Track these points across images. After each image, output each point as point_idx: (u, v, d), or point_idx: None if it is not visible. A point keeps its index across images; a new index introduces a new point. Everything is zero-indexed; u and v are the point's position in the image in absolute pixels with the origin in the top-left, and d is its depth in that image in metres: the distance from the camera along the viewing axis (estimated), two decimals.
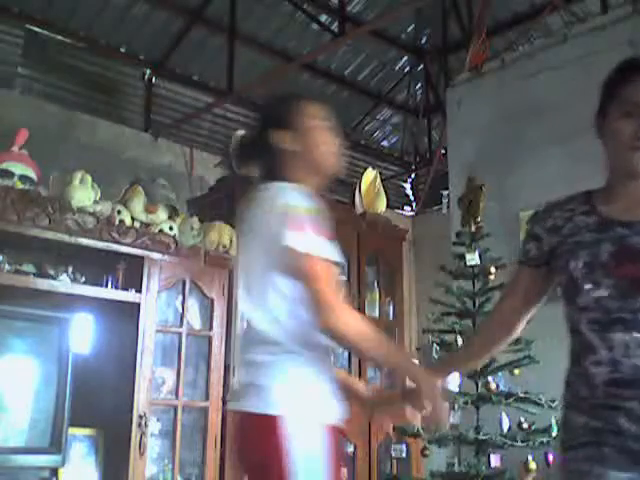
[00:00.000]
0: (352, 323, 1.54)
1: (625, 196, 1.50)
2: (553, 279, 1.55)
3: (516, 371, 3.12)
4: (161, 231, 3.53)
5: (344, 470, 3.89)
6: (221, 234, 3.70)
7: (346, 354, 4.11)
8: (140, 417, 3.21)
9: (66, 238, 3.18)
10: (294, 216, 1.53)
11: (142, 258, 3.40)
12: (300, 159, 1.70)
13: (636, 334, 1.36)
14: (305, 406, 1.53)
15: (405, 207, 6.42)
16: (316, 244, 1.55)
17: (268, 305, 1.58)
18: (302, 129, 1.72)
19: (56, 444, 3.03)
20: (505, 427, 3.08)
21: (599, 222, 1.48)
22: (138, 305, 3.33)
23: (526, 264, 1.59)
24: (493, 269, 3.23)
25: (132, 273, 3.37)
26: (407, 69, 6.00)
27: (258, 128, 1.78)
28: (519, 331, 1.68)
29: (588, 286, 1.42)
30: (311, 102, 1.81)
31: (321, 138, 1.75)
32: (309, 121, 1.75)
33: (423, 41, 5.87)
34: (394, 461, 4.10)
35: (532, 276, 1.59)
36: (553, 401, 2.95)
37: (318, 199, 1.64)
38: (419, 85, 6.16)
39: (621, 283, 1.39)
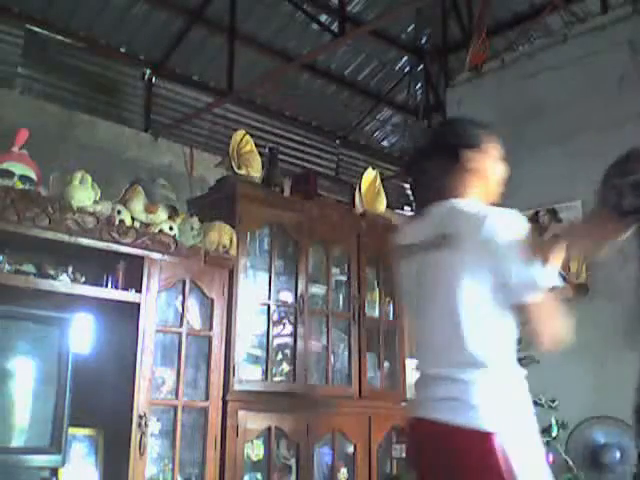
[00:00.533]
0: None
1: None
2: None
3: None
4: (161, 231, 3.52)
5: (344, 470, 3.89)
6: (221, 234, 3.69)
7: (346, 354, 4.12)
8: (140, 417, 3.21)
9: (66, 238, 3.17)
10: (524, 246, 1.61)
11: (142, 258, 3.39)
12: (480, 181, 1.81)
13: None
14: (519, 422, 1.59)
15: (405, 207, 6.43)
16: (547, 275, 1.60)
17: (480, 328, 1.63)
18: (488, 153, 1.83)
19: (56, 444, 3.02)
20: None
21: None
22: (138, 305, 3.32)
23: None
24: None
25: (132, 273, 3.37)
26: (407, 69, 6.01)
27: (443, 143, 1.85)
28: None
29: None
30: (491, 131, 1.92)
31: (497, 166, 1.87)
32: (492, 148, 1.86)
33: (423, 41, 5.88)
34: (394, 461, 4.10)
35: None
36: (553, 401, 2.95)
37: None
38: (419, 85, 6.16)
39: None
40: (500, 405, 1.58)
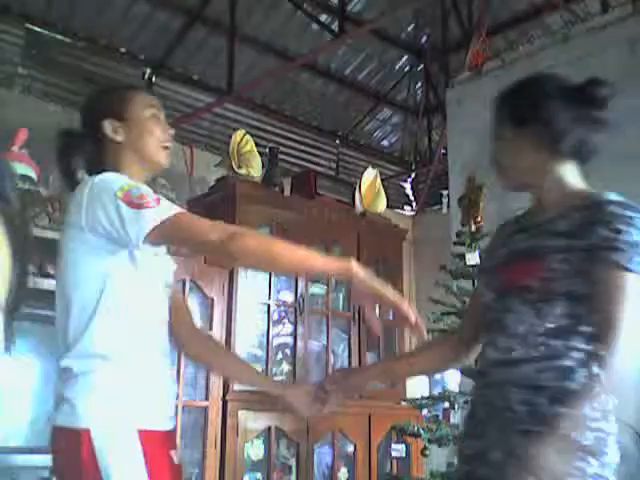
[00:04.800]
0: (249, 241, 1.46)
1: (532, 206, 1.63)
2: None
3: None
4: None
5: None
6: None
7: (346, 354, 4.12)
8: None
9: None
10: (127, 194, 1.46)
11: None
12: (125, 150, 1.66)
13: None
14: (115, 416, 1.43)
15: (405, 207, 6.43)
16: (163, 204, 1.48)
17: (86, 311, 1.50)
18: (129, 119, 1.67)
19: None
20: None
21: (514, 230, 1.64)
22: None
23: None
24: None
25: None
26: (407, 69, 6.00)
27: (84, 118, 1.74)
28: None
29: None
30: (141, 91, 1.77)
31: (147, 128, 1.68)
32: (136, 111, 1.68)
33: (423, 41, 5.87)
34: (394, 461, 4.10)
35: None
36: None
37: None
38: (419, 85, 6.16)
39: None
40: (97, 400, 1.44)
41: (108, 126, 1.66)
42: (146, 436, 1.45)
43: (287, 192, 4.32)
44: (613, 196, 1.44)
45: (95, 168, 1.64)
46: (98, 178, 1.54)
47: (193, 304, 3.63)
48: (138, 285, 1.55)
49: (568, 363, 1.38)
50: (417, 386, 4.26)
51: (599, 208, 1.41)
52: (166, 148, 1.72)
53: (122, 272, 1.52)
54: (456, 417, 3.07)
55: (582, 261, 1.38)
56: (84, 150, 1.71)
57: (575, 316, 1.40)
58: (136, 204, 1.45)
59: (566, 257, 1.40)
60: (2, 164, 0.51)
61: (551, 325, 1.40)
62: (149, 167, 1.70)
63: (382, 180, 4.85)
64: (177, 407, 3.39)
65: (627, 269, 1.35)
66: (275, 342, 3.87)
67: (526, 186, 1.58)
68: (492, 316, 1.52)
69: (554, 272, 1.40)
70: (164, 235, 1.46)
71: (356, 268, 1.51)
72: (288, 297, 3.94)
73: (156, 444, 1.48)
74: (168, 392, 1.65)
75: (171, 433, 1.60)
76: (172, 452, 1.57)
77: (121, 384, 1.47)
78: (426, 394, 3.36)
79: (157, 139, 1.69)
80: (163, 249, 1.69)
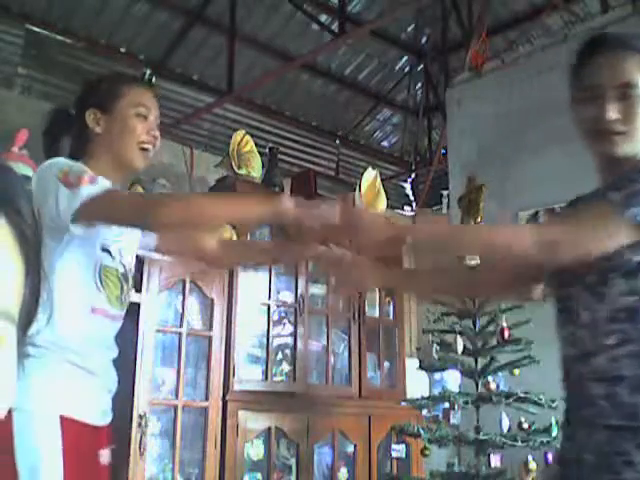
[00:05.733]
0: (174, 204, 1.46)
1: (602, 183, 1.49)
2: None
3: (516, 371, 3.12)
4: None
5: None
6: (221, 234, 3.70)
7: (346, 354, 4.12)
8: (140, 417, 3.21)
9: None
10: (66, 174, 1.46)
11: (142, 258, 3.40)
12: (102, 143, 1.62)
13: None
14: (39, 398, 1.40)
15: (405, 207, 6.43)
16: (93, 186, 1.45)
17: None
18: (112, 112, 1.63)
19: None
20: (505, 427, 3.08)
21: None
22: (138, 305, 3.32)
23: None
24: None
25: None
26: (407, 69, 6.00)
27: (74, 103, 1.70)
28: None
29: None
30: (134, 86, 1.71)
31: (128, 126, 1.64)
32: (121, 106, 1.64)
33: (423, 41, 5.87)
34: (394, 461, 4.10)
35: None
36: (553, 401, 2.94)
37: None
38: (419, 85, 6.16)
39: None
40: (23, 383, 1.43)
41: (90, 115, 1.63)
42: (68, 424, 1.41)
43: (287, 192, 4.32)
44: None
45: (74, 154, 1.62)
46: (47, 162, 1.53)
47: (193, 304, 3.63)
48: (66, 272, 1.51)
49: None
50: (417, 386, 4.26)
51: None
52: (144, 150, 1.66)
53: (53, 259, 1.48)
54: (456, 417, 3.07)
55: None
56: (69, 134, 1.67)
57: (636, 292, 1.30)
58: (72, 183, 1.43)
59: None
60: (15, 176, 0.52)
61: (614, 307, 1.31)
62: (122, 166, 1.64)
63: (382, 180, 4.85)
64: (177, 407, 3.39)
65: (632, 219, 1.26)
66: (275, 342, 3.87)
67: (621, 157, 1.41)
68: (559, 307, 1.45)
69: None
70: (94, 212, 1.43)
71: (286, 208, 1.44)
72: (288, 297, 3.94)
73: (80, 435, 1.44)
74: (101, 384, 1.58)
75: (102, 429, 1.55)
76: (101, 450, 1.52)
77: (48, 369, 1.44)
78: (426, 394, 3.36)
79: (135, 139, 1.63)
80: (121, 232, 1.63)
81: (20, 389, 1.47)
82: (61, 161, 1.53)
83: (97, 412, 1.54)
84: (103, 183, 1.47)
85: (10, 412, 1.33)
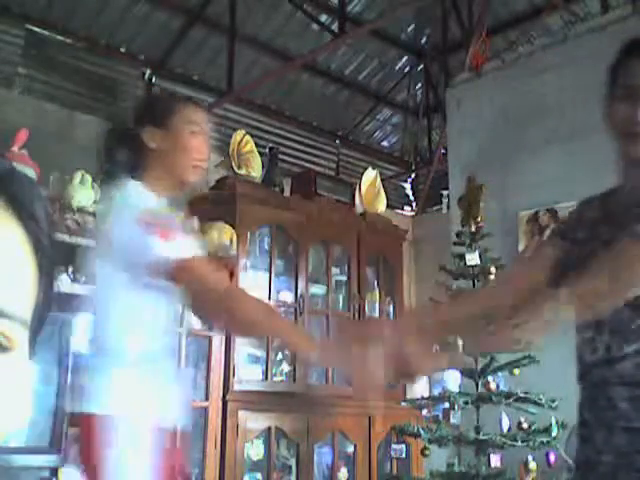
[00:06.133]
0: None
1: (627, 187, 1.46)
2: None
3: (516, 371, 3.12)
4: None
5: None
6: (221, 234, 3.70)
7: None
8: None
9: (66, 238, 3.18)
10: (147, 220, 1.54)
11: None
12: (157, 159, 1.69)
13: None
14: (135, 407, 1.54)
15: (405, 207, 6.42)
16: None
17: (105, 309, 1.64)
18: (168, 130, 1.70)
19: (56, 444, 3.03)
20: (505, 427, 3.08)
21: (604, 216, 1.45)
22: None
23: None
24: (493, 269, 3.23)
25: None
26: (407, 69, 6.00)
27: (132, 122, 1.77)
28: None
29: None
30: (189, 105, 1.78)
31: (182, 143, 1.70)
32: (183, 123, 1.71)
33: (423, 41, 5.87)
34: (394, 461, 4.10)
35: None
36: (553, 401, 2.94)
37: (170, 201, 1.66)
38: (419, 85, 6.16)
39: None
40: (114, 390, 1.56)
41: (147, 132, 1.69)
42: (156, 430, 1.55)
43: (287, 192, 4.32)
44: None
45: (131, 170, 1.69)
46: (123, 196, 1.62)
47: None
48: (154, 295, 1.63)
49: None
50: (417, 386, 4.26)
51: None
52: (198, 167, 1.73)
53: (137, 289, 1.61)
54: (456, 417, 3.07)
55: None
56: (126, 150, 1.74)
57: None
58: (149, 231, 1.52)
59: None
60: (29, 181, 0.53)
61: None
62: (176, 182, 1.72)
63: (382, 180, 4.85)
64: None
65: None
66: (275, 342, 3.87)
67: None
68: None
69: None
70: (169, 274, 1.54)
71: (314, 357, 1.56)
72: (288, 297, 3.94)
73: (166, 440, 1.57)
74: (175, 394, 1.70)
75: (179, 434, 1.68)
76: (179, 453, 1.66)
77: (140, 382, 1.57)
78: (426, 394, 3.36)
79: (189, 155, 1.70)
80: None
81: (119, 397, 1.52)
82: (138, 199, 1.62)
83: (176, 419, 1.66)
84: (178, 243, 1.56)
85: (109, 418, 1.51)
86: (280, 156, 4.46)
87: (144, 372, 1.59)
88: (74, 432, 1.65)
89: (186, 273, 1.52)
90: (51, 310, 0.55)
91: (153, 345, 1.62)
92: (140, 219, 1.53)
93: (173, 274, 1.52)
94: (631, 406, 1.32)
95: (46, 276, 0.53)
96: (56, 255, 0.55)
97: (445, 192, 5.37)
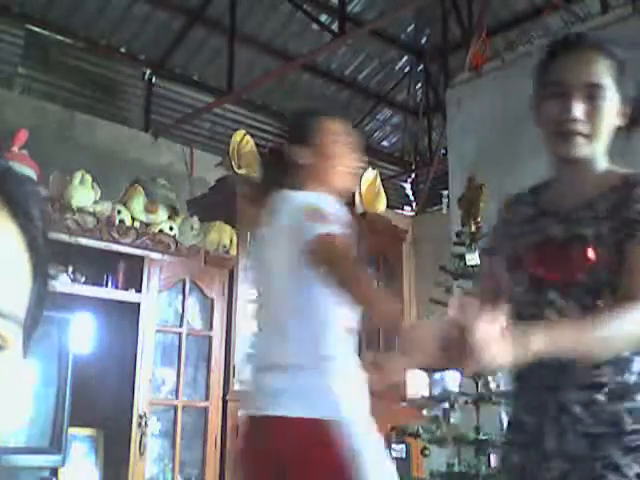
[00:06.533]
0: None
1: (558, 184, 1.47)
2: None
3: None
4: (161, 231, 3.53)
5: None
6: (221, 234, 3.70)
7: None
8: (140, 417, 3.21)
9: (66, 238, 3.18)
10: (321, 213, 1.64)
11: (142, 258, 3.40)
12: (313, 173, 1.79)
13: None
14: (350, 405, 1.61)
15: (405, 207, 6.42)
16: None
17: (304, 307, 1.68)
18: (318, 145, 1.80)
19: (56, 444, 3.03)
20: (505, 427, 3.08)
21: (534, 214, 1.47)
22: (138, 305, 3.33)
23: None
24: None
25: (132, 273, 3.38)
26: (407, 69, 6.01)
27: (283, 143, 1.89)
28: None
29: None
30: (332, 117, 1.88)
31: (336, 153, 1.81)
32: (325, 137, 1.81)
33: (423, 41, 5.88)
34: (394, 461, 4.10)
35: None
36: None
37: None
38: (419, 85, 6.16)
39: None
40: (337, 390, 1.61)
41: (297, 152, 1.79)
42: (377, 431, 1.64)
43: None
44: None
45: (292, 187, 1.78)
46: (303, 201, 1.70)
47: (193, 304, 3.63)
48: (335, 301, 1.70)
49: (625, 354, 1.26)
50: (417, 386, 4.26)
51: (635, 188, 1.29)
52: (349, 174, 1.84)
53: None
54: (456, 417, 3.07)
55: (618, 243, 1.27)
56: (284, 167, 1.83)
57: None
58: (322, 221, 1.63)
59: (606, 242, 1.28)
60: (25, 180, 0.53)
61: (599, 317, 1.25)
62: (332, 191, 1.80)
63: (382, 180, 4.85)
64: (177, 407, 3.39)
65: None
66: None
67: (580, 159, 1.38)
68: (526, 312, 1.35)
69: (598, 262, 1.28)
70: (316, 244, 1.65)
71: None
72: None
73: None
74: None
75: None
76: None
77: (344, 379, 1.64)
78: (426, 394, 3.36)
79: (342, 165, 1.81)
80: None
81: (348, 401, 1.60)
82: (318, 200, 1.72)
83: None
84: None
85: (333, 421, 1.55)
86: None
87: (353, 373, 1.65)
88: (264, 437, 1.60)
89: (330, 245, 1.63)
90: (46, 309, 0.55)
91: (349, 346, 1.70)
92: (316, 214, 1.63)
93: (319, 243, 1.61)
94: (586, 410, 1.27)
95: (41, 275, 0.53)
96: (51, 254, 0.54)
97: (445, 192, 5.37)
